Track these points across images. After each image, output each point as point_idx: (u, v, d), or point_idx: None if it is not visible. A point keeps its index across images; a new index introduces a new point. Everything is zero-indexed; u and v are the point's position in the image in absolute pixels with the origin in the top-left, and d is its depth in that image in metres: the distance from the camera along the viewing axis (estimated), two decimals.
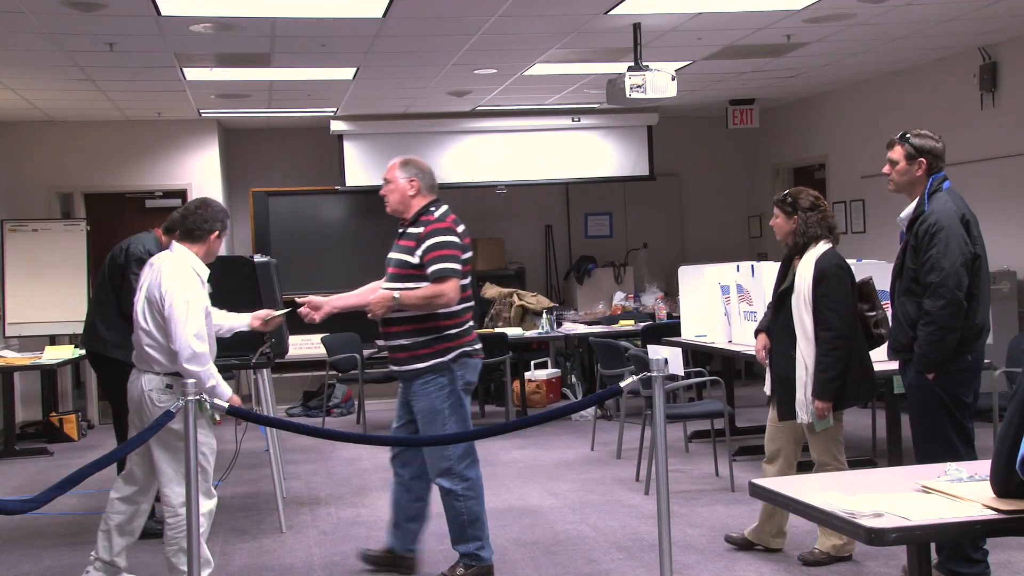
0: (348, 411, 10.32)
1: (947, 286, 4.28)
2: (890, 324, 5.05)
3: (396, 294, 4.73)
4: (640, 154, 11.33)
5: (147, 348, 4.72)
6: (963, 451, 4.36)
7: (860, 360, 4.87)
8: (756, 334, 5.33)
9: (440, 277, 4.67)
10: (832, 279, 4.80)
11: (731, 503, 6.11)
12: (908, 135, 4.54)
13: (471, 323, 4.93)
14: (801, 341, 4.83)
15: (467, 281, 4.84)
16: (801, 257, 4.93)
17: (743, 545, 5.17)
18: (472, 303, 4.94)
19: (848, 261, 7.07)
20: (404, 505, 5.11)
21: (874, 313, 5.02)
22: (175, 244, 4.82)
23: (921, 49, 8.52)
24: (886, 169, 4.61)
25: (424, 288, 4.70)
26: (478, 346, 4.95)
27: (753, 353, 7.04)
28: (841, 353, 4.76)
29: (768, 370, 5.14)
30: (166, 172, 10.70)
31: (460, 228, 4.84)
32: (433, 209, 4.89)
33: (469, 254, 4.86)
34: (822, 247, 4.89)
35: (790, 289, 4.93)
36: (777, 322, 5.04)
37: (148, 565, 5.33)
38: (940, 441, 4.39)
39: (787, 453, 5.07)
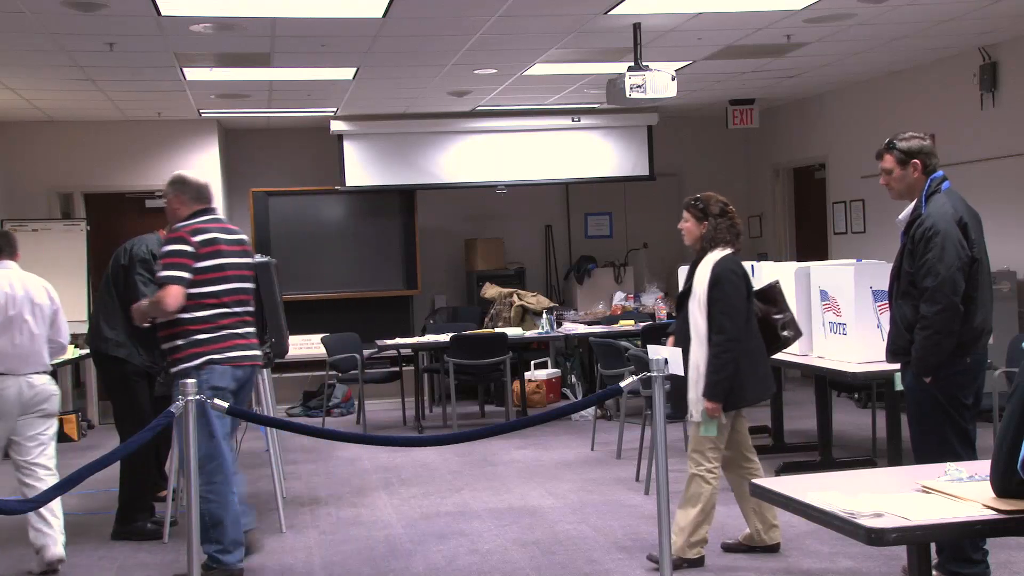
0: (348, 411, 10.32)
1: (943, 291, 4.28)
2: (798, 326, 5.12)
3: (145, 302, 5.02)
4: (640, 154, 11.33)
5: (47, 348, 5.29)
6: (962, 452, 4.35)
7: (752, 362, 4.93)
8: (666, 336, 5.39)
9: (161, 284, 4.86)
10: (726, 284, 4.86)
11: (731, 503, 6.08)
12: (894, 141, 4.52)
13: (235, 330, 4.98)
14: (694, 342, 4.88)
15: (224, 288, 4.94)
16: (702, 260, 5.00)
17: (741, 550, 5.17)
18: (237, 308, 5.00)
19: (848, 261, 7.13)
20: None
21: (781, 316, 5.08)
22: (10, 262, 5.31)
23: (921, 49, 8.52)
24: (882, 180, 4.60)
25: (154, 295, 4.93)
26: (237, 353, 4.97)
27: None
28: (731, 356, 4.82)
29: None
30: (166, 172, 10.44)
31: (200, 237, 4.92)
32: (185, 221, 5.01)
33: (216, 261, 4.93)
34: (721, 252, 4.94)
35: (689, 291, 4.98)
36: (678, 322, 5.11)
37: (148, 565, 5.35)
38: (938, 443, 4.39)
39: (733, 443, 5.09)
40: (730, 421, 4.98)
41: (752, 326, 4.98)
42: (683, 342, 4.97)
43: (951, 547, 4.32)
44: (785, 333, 5.13)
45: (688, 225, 5.05)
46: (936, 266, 4.28)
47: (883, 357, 6.10)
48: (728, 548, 5.20)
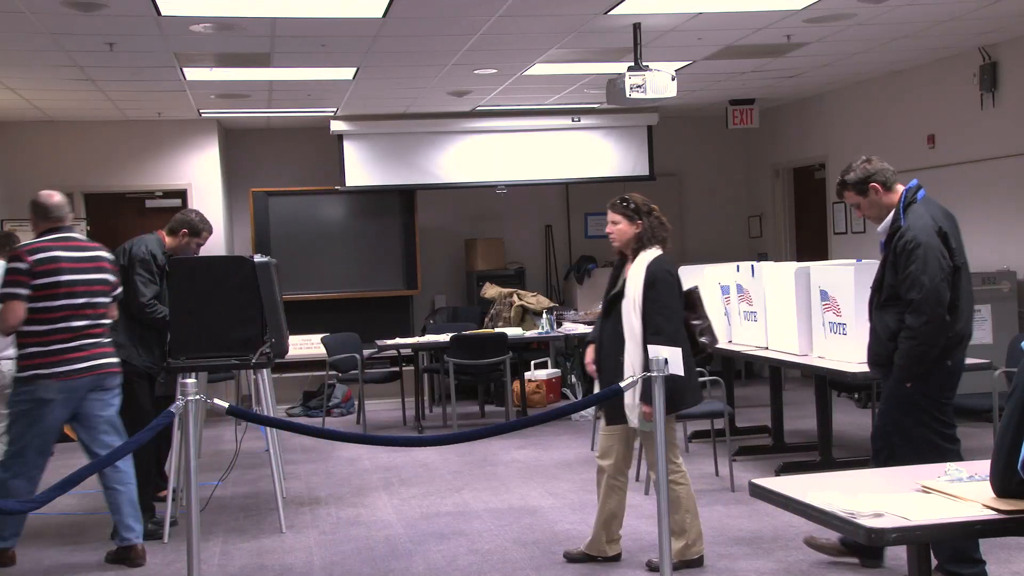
0: (348, 411, 10.33)
1: (928, 303, 4.32)
2: (715, 335, 5.03)
3: None
4: (640, 154, 11.32)
5: None
6: (948, 449, 4.41)
7: (687, 366, 4.79)
8: (586, 345, 5.29)
9: (1, 301, 5.14)
10: (662, 284, 4.78)
11: (731, 503, 6.12)
12: (844, 178, 4.64)
13: (68, 343, 5.20)
14: (629, 345, 4.78)
15: (60, 304, 5.16)
16: (632, 262, 4.91)
17: (580, 560, 5.09)
18: (75, 323, 5.22)
19: (848, 261, 7.13)
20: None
21: (699, 322, 5.00)
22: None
23: (921, 49, 8.52)
24: (857, 214, 4.74)
25: None
26: (67, 368, 5.20)
27: (752, 353, 7.09)
28: None
29: (597, 379, 5.06)
30: (166, 172, 10.70)
31: (36, 256, 5.16)
32: (35, 239, 5.35)
33: (53, 279, 5.14)
34: (653, 252, 4.86)
35: (620, 294, 4.89)
36: (606, 328, 4.99)
37: (148, 565, 5.34)
38: (923, 444, 4.43)
39: (618, 455, 5.04)
40: (672, 424, 4.88)
41: (684, 330, 4.89)
42: (612, 347, 4.87)
43: (952, 547, 4.34)
44: (703, 339, 5.02)
45: (620, 227, 4.92)
46: (920, 278, 4.33)
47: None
48: (571, 558, 5.11)
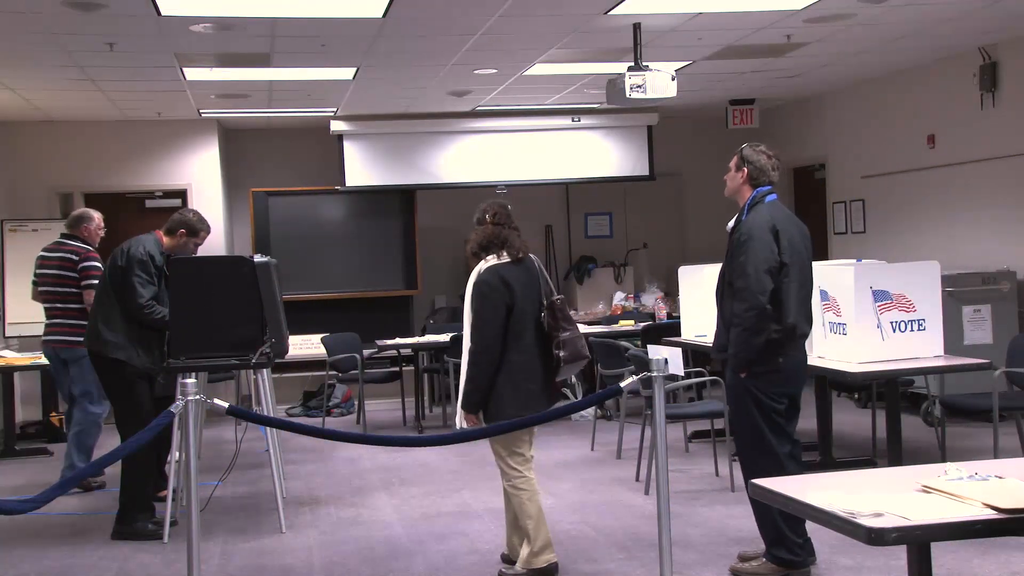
0: (348, 411, 10.33)
1: (750, 290, 4.54)
2: (578, 346, 4.94)
3: None
4: (640, 154, 11.33)
5: None
6: (775, 443, 4.62)
7: (511, 377, 4.76)
8: None
9: None
10: (477, 296, 4.77)
11: (731, 503, 6.12)
12: (745, 146, 4.84)
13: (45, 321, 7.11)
14: (464, 352, 4.82)
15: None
16: None
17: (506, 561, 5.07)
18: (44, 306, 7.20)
19: (848, 261, 7.12)
20: None
21: (558, 333, 4.85)
22: None
23: (921, 49, 8.52)
24: (724, 176, 4.93)
25: None
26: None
27: None
28: (480, 368, 4.72)
29: None
30: (166, 172, 10.70)
31: None
32: None
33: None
34: (487, 263, 4.84)
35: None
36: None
37: (148, 565, 5.35)
38: (753, 435, 4.67)
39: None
40: (527, 435, 4.84)
41: (523, 341, 4.79)
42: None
43: (774, 531, 4.61)
44: (559, 352, 4.84)
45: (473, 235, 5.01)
46: (746, 267, 4.57)
47: (883, 357, 6.14)
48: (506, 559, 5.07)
